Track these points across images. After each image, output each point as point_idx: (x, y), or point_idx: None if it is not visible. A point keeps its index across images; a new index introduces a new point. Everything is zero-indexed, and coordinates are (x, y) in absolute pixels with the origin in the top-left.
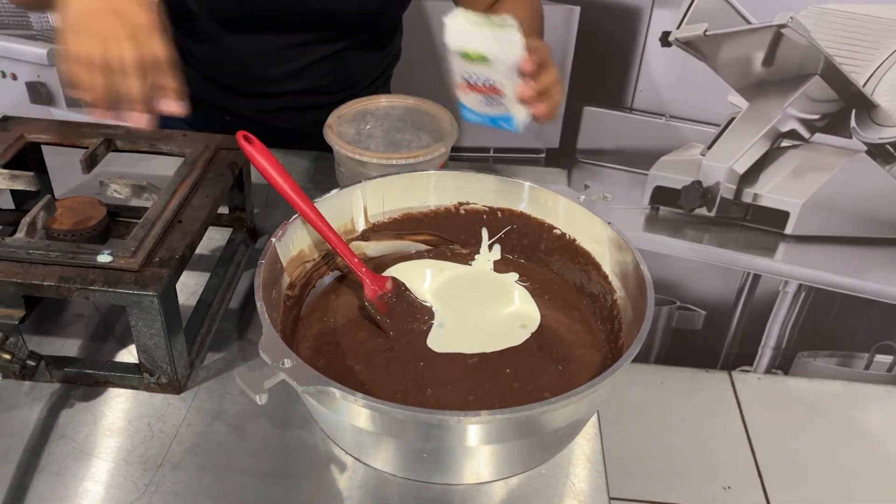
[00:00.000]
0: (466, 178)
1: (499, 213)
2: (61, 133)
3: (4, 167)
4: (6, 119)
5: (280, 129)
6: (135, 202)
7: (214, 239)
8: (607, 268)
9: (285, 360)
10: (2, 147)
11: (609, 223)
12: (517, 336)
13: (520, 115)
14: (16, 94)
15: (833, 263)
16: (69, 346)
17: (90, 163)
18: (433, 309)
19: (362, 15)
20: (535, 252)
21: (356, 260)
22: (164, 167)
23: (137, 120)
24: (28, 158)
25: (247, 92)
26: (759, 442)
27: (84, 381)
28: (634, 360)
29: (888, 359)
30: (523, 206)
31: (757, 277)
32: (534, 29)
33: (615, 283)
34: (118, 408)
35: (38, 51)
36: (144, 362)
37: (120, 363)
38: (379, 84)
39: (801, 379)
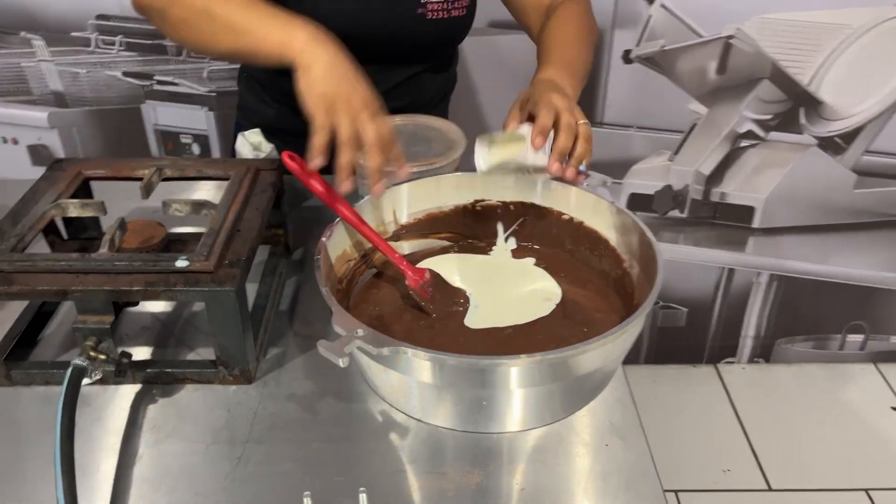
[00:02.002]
0: (482, 178)
1: (511, 206)
2: (115, 168)
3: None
4: (60, 161)
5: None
6: (184, 228)
7: (256, 254)
8: (614, 241)
9: (358, 329)
10: (64, 183)
11: (612, 202)
12: (544, 308)
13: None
14: (16, 157)
15: (800, 252)
16: (142, 354)
17: (148, 189)
18: (468, 293)
19: (436, 40)
20: (547, 238)
21: (397, 255)
22: (206, 196)
23: (378, 189)
24: (82, 194)
25: None
26: (751, 426)
27: (164, 379)
28: (625, 362)
29: (859, 338)
30: (537, 199)
31: (732, 271)
32: (573, 67)
33: (623, 254)
34: (198, 400)
35: (39, 115)
36: (221, 356)
37: (197, 360)
38: (443, 105)
39: (782, 365)
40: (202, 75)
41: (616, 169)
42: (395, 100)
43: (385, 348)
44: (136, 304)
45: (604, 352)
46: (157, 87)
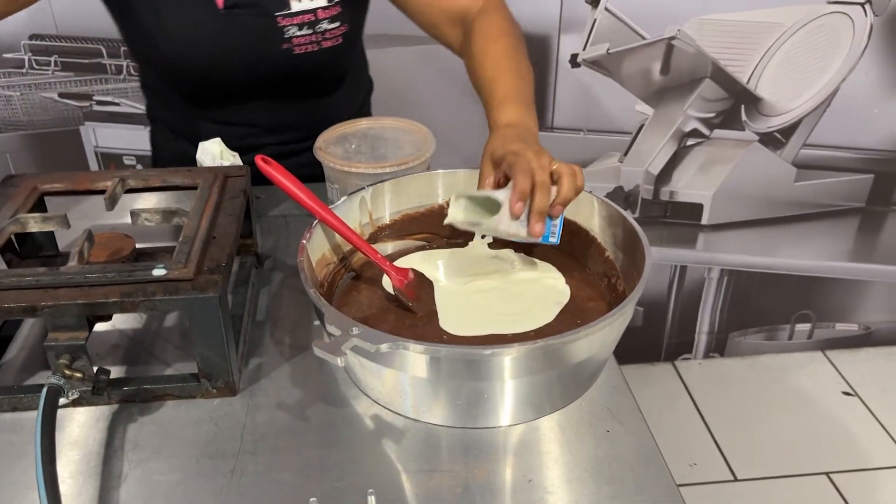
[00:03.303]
0: (458, 175)
1: None
2: (74, 181)
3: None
4: (12, 176)
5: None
6: (151, 243)
7: None
8: (595, 230)
9: (353, 328)
10: (20, 199)
11: (590, 191)
12: (549, 313)
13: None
14: None
15: (747, 246)
16: (114, 372)
17: (112, 201)
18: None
19: (312, 72)
20: None
21: (380, 256)
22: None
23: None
24: (37, 210)
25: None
26: (713, 420)
27: (143, 396)
28: None
29: (807, 326)
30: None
31: (684, 269)
32: (524, 97)
33: (604, 242)
34: (181, 416)
35: None
36: (203, 367)
37: (176, 375)
38: (360, 112)
39: (737, 358)
40: None
41: None
42: (294, 130)
43: (384, 344)
44: (106, 320)
45: (598, 338)
46: (96, 107)
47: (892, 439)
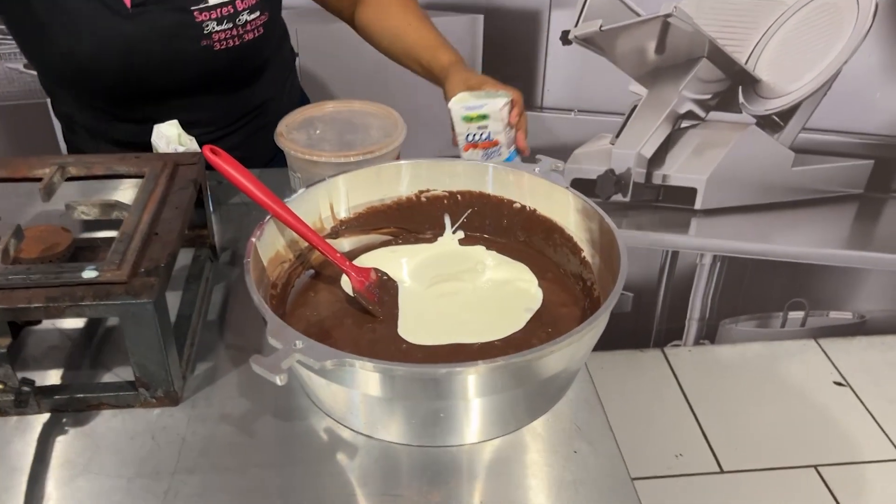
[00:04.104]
0: (428, 166)
1: (459, 196)
2: (10, 167)
3: None
4: None
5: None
6: (88, 234)
7: (178, 259)
8: (571, 229)
9: (296, 341)
10: None
11: (567, 188)
12: (518, 321)
13: (506, 153)
14: None
15: (741, 231)
16: (50, 378)
17: (49, 191)
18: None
19: (235, 66)
20: (498, 228)
21: (338, 255)
22: (118, 196)
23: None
24: None
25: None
26: (701, 409)
27: (75, 406)
28: None
29: (800, 314)
30: (487, 187)
31: (675, 254)
32: (441, 39)
33: (581, 243)
34: (116, 428)
35: None
36: (140, 376)
37: (113, 383)
38: (287, 88)
39: (727, 345)
40: None
41: (557, 154)
42: (220, 122)
43: (328, 361)
44: (35, 324)
45: (569, 352)
46: None
47: (884, 432)
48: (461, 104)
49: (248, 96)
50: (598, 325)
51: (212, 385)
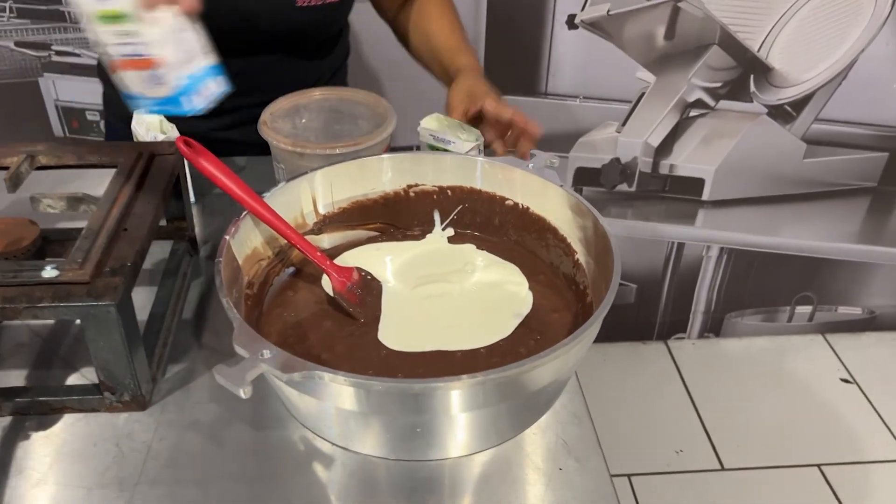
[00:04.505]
0: (416, 159)
1: (449, 191)
2: None
3: None
4: None
5: (243, 143)
6: (66, 224)
7: (155, 253)
8: (565, 230)
9: (264, 350)
10: None
11: (561, 185)
12: (506, 327)
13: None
14: None
15: (749, 224)
16: (14, 378)
17: (15, 181)
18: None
19: (309, 28)
20: (489, 226)
21: (319, 254)
22: (94, 186)
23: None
24: None
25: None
26: (703, 404)
27: (38, 409)
28: None
29: (808, 309)
30: (478, 182)
31: (681, 246)
32: (465, 45)
33: (574, 244)
34: (80, 433)
35: None
36: (105, 380)
37: (77, 386)
38: (336, 83)
39: (732, 339)
40: None
41: (561, 142)
42: (270, 91)
43: (296, 374)
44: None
45: (557, 364)
46: (55, 58)
47: (890, 431)
48: (428, 131)
49: (307, 70)
50: (587, 336)
51: (184, 389)
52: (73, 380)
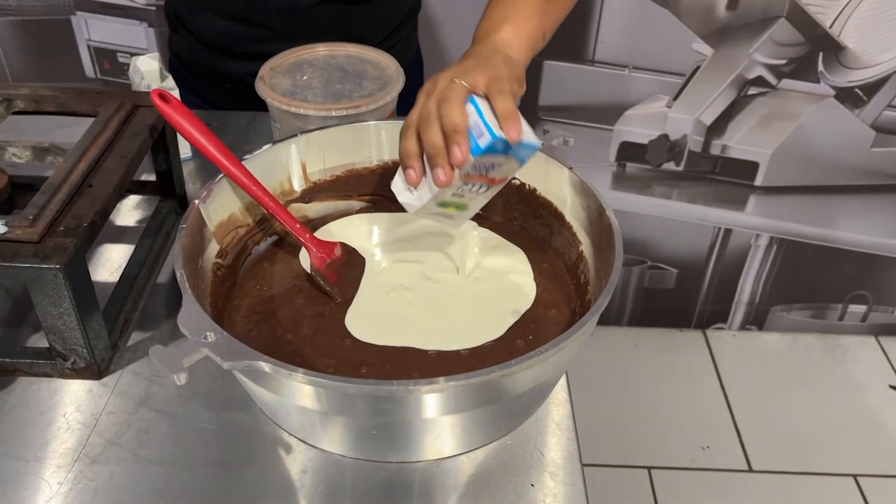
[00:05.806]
0: None
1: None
2: None
3: None
4: None
5: None
6: (38, 171)
7: (142, 209)
8: (571, 217)
9: (208, 333)
10: None
11: (570, 168)
12: (501, 325)
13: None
14: None
15: (804, 214)
16: None
17: None
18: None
19: None
20: (493, 205)
21: (298, 225)
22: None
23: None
24: None
25: (241, 53)
26: (736, 400)
27: None
28: (606, 323)
29: (861, 308)
30: None
31: (728, 232)
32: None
33: (580, 234)
34: (29, 399)
35: None
36: (56, 346)
37: (30, 348)
38: (398, 38)
39: (776, 333)
40: None
41: (607, 114)
42: (313, 37)
43: (235, 362)
44: None
45: (543, 367)
46: None
47: None
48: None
49: (356, 17)
50: (578, 337)
51: (145, 359)
52: (35, 341)
